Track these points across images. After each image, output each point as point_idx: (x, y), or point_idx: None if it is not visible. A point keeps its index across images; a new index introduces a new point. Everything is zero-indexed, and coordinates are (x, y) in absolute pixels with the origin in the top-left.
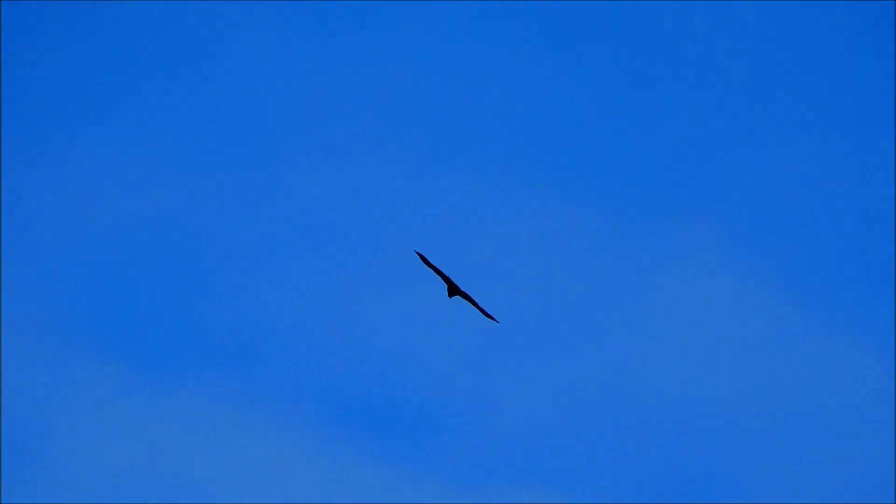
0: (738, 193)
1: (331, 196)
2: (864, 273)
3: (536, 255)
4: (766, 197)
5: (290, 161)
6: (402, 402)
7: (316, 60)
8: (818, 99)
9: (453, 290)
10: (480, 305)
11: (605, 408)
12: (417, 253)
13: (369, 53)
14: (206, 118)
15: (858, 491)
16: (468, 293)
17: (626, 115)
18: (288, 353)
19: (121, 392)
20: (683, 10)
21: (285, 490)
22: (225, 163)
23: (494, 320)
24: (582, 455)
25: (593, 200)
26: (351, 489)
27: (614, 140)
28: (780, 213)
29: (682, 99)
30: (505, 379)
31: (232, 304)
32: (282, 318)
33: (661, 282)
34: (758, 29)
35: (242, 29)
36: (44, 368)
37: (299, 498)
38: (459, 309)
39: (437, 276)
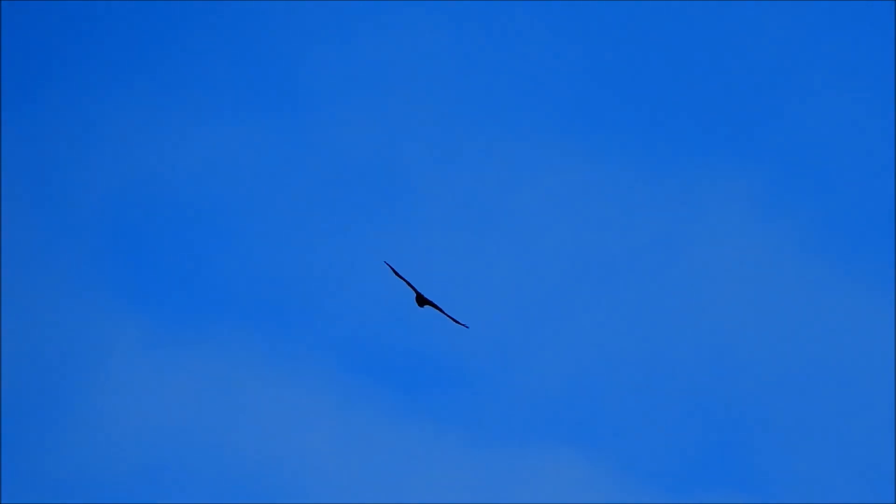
0: (768, 153)
1: (353, 153)
2: None
3: (572, 214)
4: (796, 156)
5: (314, 117)
6: (425, 356)
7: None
8: (853, 59)
9: (422, 299)
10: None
11: (631, 366)
12: (387, 264)
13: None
14: (231, 73)
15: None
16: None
17: (654, 75)
18: (312, 307)
19: (146, 344)
20: None
21: (306, 443)
22: (251, 118)
23: (465, 326)
24: (607, 413)
25: (623, 160)
26: (374, 442)
27: (642, 100)
28: (811, 172)
29: (711, 57)
30: (532, 335)
31: (256, 256)
32: (306, 271)
33: (689, 242)
34: None
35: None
36: (69, 319)
37: (321, 451)
38: (486, 267)
39: (407, 285)
